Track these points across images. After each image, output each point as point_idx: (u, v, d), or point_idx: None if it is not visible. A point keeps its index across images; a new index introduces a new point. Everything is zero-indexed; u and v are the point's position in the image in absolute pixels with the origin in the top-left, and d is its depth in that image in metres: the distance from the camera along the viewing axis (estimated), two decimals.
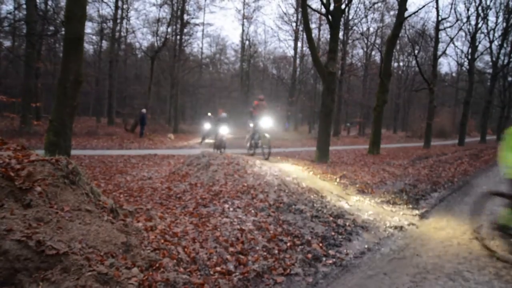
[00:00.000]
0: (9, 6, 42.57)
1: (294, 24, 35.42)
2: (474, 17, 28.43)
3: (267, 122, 10.61)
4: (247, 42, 38.00)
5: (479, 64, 36.65)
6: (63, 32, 14.96)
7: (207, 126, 19.71)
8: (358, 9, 31.83)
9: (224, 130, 13.81)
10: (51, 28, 22.71)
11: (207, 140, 19.72)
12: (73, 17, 8.01)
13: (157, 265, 3.15)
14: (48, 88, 23.21)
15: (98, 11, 29.94)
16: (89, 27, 32.16)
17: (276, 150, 16.07)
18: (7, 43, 25.23)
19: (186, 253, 3.56)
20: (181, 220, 4.59)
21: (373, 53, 38.54)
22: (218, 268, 3.42)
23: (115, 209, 3.98)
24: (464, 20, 28.03)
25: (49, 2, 23.37)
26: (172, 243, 3.71)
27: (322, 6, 13.20)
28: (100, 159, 11.67)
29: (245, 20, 36.37)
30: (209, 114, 21.12)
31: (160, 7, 28.37)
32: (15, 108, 22.06)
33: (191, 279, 3.08)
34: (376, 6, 32.41)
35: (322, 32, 34.47)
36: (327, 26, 16.23)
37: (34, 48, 19.87)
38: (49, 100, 25.64)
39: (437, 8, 23.92)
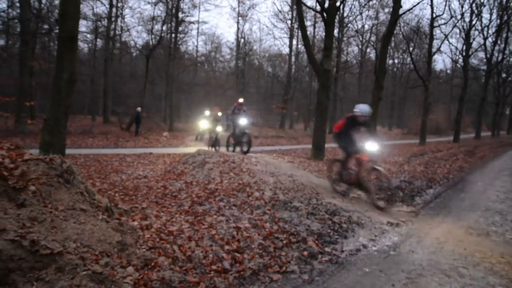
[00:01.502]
0: (2, 5, 42.30)
1: (289, 22, 35.47)
2: (468, 14, 28.58)
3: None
4: (242, 40, 38.00)
5: (473, 61, 36.86)
6: (57, 31, 14.85)
7: (223, 125, 14.95)
8: (353, 7, 31.74)
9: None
10: (45, 26, 22.58)
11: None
12: (67, 15, 7.96)
13: (152, 264, 3.14)
14: (43, 87, 23.04)
15: (93, 9, 29.85)
16: (84, 26, 31.89)
17: (272, 148, 16.07)
18: (0, 42, 25.09)
19: (181, 252, 3.55)
20: (176, 218, 4.58)
21: (368, 50, 38.64)
22: (214, 267, 3.41)
23: (110, 208, 3.96)
24: (459, 17, 28.19)
25: (43, 0, 23.21)
26: (168, 241, 3.71)
27: (317, 4, 13.20)
28: (95, 158, 11.62)
29: (240, 18, 36.36)
30: (245, 105, 11.87)
31: (155, 5, 28.25)
32: (9, 107, 21.90)
33: (187, 278, 3.08)
34: (371, 3, 32.43)
35: (317, 30, 34.50)
36: (322, 23, 16.22)
37: (28, 47, 19.73)
38: (44, 99, 25.48)
39: (431, 5, 24.01)
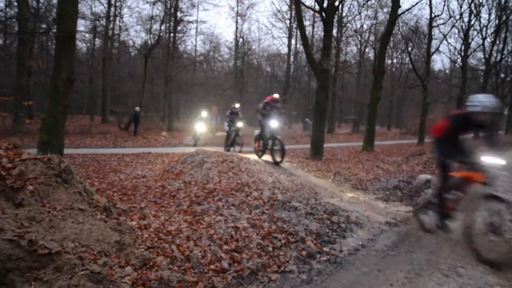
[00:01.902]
0: (0, 4, 42.05)
1: (288, 22, 35.44)
2: (467, 14, 28.57)
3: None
4: (241, 40, 37.90)
5: (472, 61, 36.91)
6: (55, 30, 14.81)
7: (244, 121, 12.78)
8: (351, 6, 31.94)
9: None
10: (43, 25, 22.55)
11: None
12: (65, 14, 7.94)
13: (151, 263, 3.13)
14: (41, 87, 23.04)
15: (91, 8, 29.87)
16: (82, 25, 32.00)
17: None
18: None
19: (180, 251, 3.55)
20: (175, 218, 4.57)
21: (367, 50, 38.68)
22: (212, 266, 3.41)
23: (109, 208, 3.95)
24: (457, 17, 28.14)
25: (41, 0, 23.16)
26: (166, 241, 3.70)
27: (316, 3, 13.21)
28: (93, 158, 11.60)
29: (238, 17, 36.25)
30: (280, 102, 9.80)
31: (154, 4, 28.23)
32: (7, 107, 21.86)
33: (185, 277, 3.07)
34: (369, 3, 32.50)
35: (316, 29, 34.56)
36: (321, 23, 16.24)
37: (26, 46, 19.68)
38: (42, 98, 25.41)
39: (430, 5, 24.03)
